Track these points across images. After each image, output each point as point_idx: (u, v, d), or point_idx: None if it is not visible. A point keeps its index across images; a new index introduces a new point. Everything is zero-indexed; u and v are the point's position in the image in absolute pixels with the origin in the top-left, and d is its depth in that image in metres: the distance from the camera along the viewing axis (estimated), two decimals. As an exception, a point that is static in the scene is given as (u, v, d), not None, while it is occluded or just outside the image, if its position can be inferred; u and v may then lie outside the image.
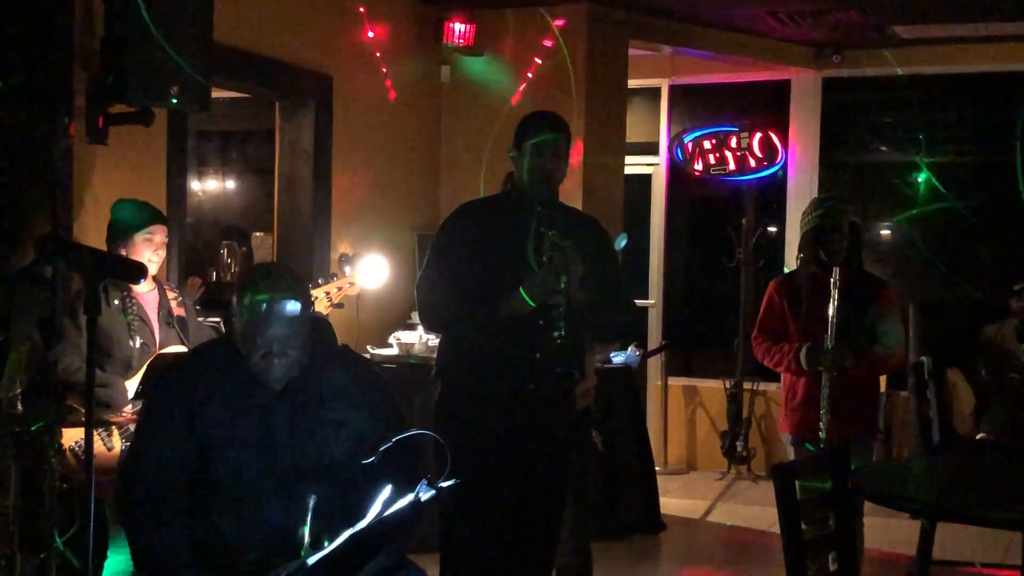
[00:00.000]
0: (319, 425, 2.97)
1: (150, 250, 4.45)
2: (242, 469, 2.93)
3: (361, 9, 6.56)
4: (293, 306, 2.92)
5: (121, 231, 4.45)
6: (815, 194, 7.90)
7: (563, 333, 3.53)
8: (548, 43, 7.12)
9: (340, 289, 4.76)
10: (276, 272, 3.05)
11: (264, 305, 2.89)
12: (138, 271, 2.81)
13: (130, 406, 4.26)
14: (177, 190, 5.34)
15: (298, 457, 2.95)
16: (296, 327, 2.92)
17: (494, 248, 3.71)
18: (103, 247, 4.46)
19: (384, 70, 6.79)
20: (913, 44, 7.84)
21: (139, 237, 4.43)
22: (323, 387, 3.01)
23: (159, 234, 4.49)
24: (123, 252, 4.41)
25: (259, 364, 2.92)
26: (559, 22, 7.06)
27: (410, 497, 2.63)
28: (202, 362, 3.08)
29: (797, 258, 4.80)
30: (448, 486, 2.71)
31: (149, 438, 2.98)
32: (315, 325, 3.07)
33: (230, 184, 9.74)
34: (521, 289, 3.54)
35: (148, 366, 4.27)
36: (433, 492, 2.66)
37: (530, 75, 7.17)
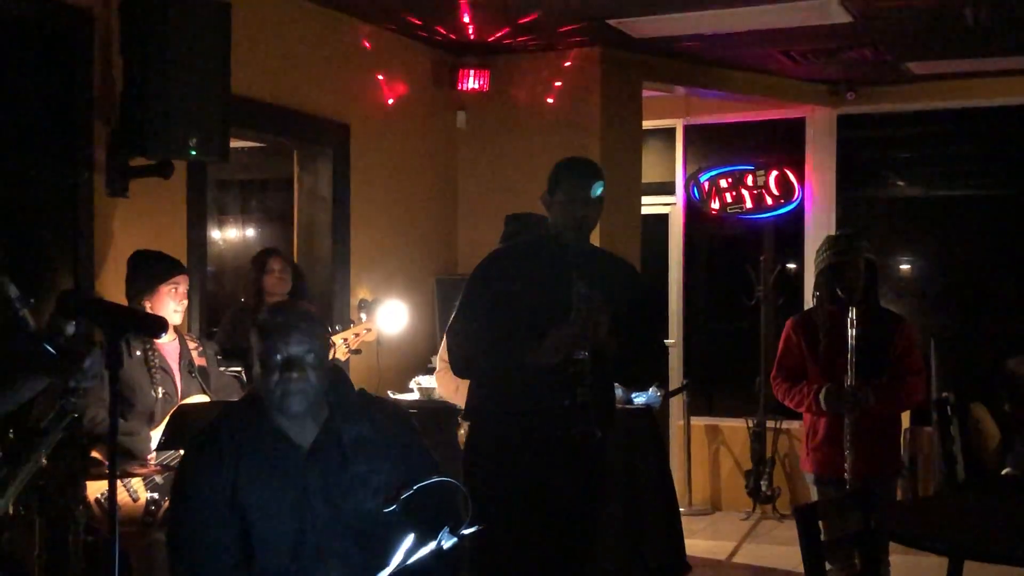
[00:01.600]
0: (349, 483, 2.93)
1: (175, 300, 4.49)
2: (278, 535, 2.89)
3: (377, 57, 6.63)
4: (307, 323, 2.93)
5: (146, 282, 4.49)
6: (833, 230, 7.89)
7: (586, 389, 3.50)
8: (562, 87, 7.17)
9: (358, 335, 4.79)
10: (289, 303, 3.05)
11: (278, 319, 2.91)
12: (159, 326, 2.82)
13: (154, 455, 4.28)
14: (197, 240, 5.37)
15: (333, 519, 2.91)
16: (311, 343, 2.90)
17: (524, 294, 3.69)
18: (124, 299, 4.51)
19: (401, 117, 6.85)
20: (926, 80, 7.86)
21: (164, 288, 4.47)
22: (344, 442, 2.96)
23: (183, 284, 4.54)
24: (147, 303, 4.44)
25: (277, 389, 2.87)
26: (573, 66, 7.11)
27: (432, 545, 2.62)
28: (229, 426, 2.99)
29: (814, 296, 4.80)
30: (470, 533, 2.70)
31: (191, 512, 2.91)
32: (330, 376, 3.03)
33: (250, 232, 9.80)
34: (543, 342, 3.52)
35: (171, 416, 4.29)
36: (455, 540, 2.66)
37: (545, 119, 7.21)
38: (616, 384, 4.30)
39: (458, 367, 3.90)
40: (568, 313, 3.52)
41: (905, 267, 8.67)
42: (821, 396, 4.49)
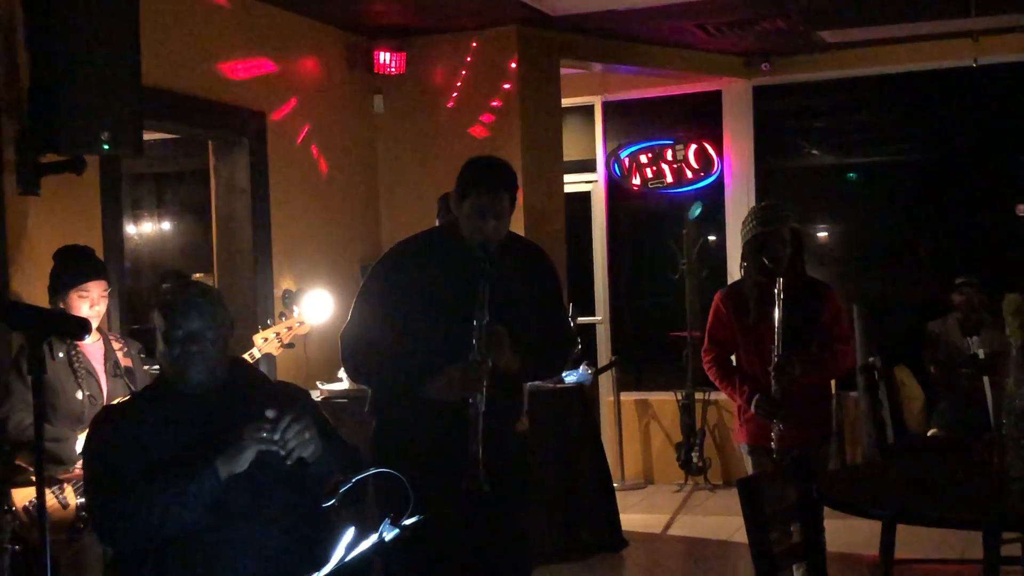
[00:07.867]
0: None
1: (86, 305, 4.35)
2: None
3: (291, 42, 6.52)
4: (205, 295, 3.02)
5: (57, 286, 4.37)
6: (753, 202, 7.96)
7: (476, 438, 3.36)
8: (479, 67, 7.12)
9: (290, 329, 4.71)
10: (189, 282, 3.19)
11: (177, 296, 3.00)
12: (82, 327, 2.75)
13: (81, 460, 4.17)
14: (113, 236, 5.24)
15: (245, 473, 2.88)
16: (211, 319, 2.97)
17: (425, 306, 3.52)
18: (46, 297, 4.38)
19: (317, 102, 6.75)
20: (839, 48, 7.94)
21: (74, 294, 4.34)
22: (248, 395, 3.03)
23: (95, 289, 4.38)
24: (61, 305, 4.32)
25: (179, 361, 2.94)
26: (490, 45, 7.07)
27: (374, 538, 2.59)
28: (133, 399, 3.14)
29: (741, 267, 4.81)
30: (411, 524, 2.67)
31: (108, 479, 2.90)
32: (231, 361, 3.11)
33: (166, 226, 9.64)
34: (439, 378, 3.42)
35: (92, 420, 4.18)
36: (397, 531, 2.63)
37: (464, 100, 7.16)
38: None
39: (352, 375, 3.76)
40: (467, 348, 3.37)
41: (825, 235, 8.78)
42: (753, 404, 4.51)
